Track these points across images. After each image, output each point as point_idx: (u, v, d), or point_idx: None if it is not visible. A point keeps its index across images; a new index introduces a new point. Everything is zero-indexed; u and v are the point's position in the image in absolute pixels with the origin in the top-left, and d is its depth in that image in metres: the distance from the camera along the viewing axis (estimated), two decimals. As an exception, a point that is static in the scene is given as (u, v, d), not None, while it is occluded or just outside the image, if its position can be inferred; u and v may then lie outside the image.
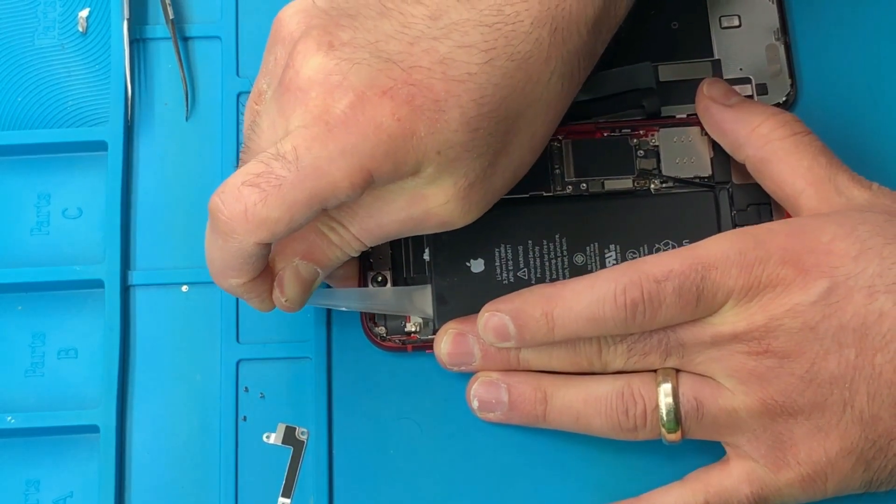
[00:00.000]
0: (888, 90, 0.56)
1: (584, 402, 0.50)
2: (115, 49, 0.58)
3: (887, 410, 0.47)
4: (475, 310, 0.50)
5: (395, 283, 0.53)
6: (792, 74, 0.56)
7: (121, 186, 0.56)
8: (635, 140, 0.54)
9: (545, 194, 0.53)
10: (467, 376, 0.52)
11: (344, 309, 0.53)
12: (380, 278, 0.53)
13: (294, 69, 0.45)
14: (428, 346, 0.52)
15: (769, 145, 0.50)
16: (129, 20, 0.58)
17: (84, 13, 0.58)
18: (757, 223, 0.51)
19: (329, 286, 0.53)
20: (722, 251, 0.47)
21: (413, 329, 0.53)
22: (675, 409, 0.48)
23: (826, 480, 0.48)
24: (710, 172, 0.54)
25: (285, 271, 0.49)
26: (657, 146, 0.54)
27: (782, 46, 0.56)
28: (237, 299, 0.54)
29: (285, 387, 0.53)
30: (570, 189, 0.54)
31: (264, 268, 0.48)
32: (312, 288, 0.49)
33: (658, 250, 0.52)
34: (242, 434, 0.53)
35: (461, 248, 0.52)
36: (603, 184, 0.54)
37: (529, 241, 0.52)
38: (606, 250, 0.52)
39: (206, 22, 0.59)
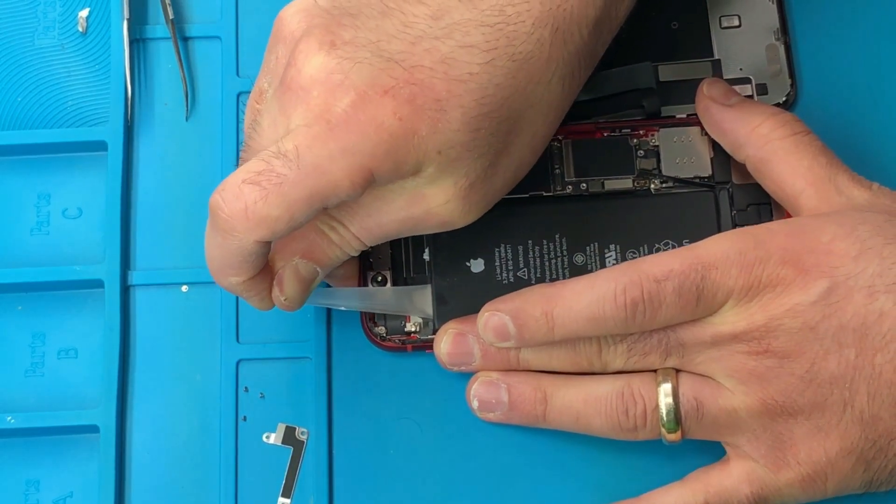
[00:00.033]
0: (888, 90, 0.56)
1: (584, 402, 0.50)
2: (115, 49, 0.58)
3: (887, 410, 0.47)
4: (475, 310, 0.50)
5: (395, 283, 0.53)
6: (792, 74, 0.56)
7: (121, 186, 0.56)
8: (635, 140, 0.54)
9: (545, 194, 0.53)
10: (467, 376, 0.52)
11: (343, 308, 0.53)
12: (380, 278, 0.53)
13: (296, 68, 0.45)
14: (428, 346, 0.52)
15: (769, 145, 0.50)
16: (129, 20, 0.58)
17: (84, 13, 0.58)
18: (757, 223, 0.51)
19: (329, 285, 0.53)
20: (722, 251, 0.47)
21: (413, 329, 0.53)
22: (675, 409, 0.48)
23: (826, 480, 0.48)
24: (710, 172, 0.54)
25: (285, 270, 0.49)
26: (657, 146, 0.54)
27: (782, 46, 0.56)
28: (237, 299, 0.54)
29: (285, 387, 0.53)
30: (570, 189, 0.54)
31: (264, 266, 0.48)
32: (312, 287, 0.49)
33: (658, 250, 0.52)
34: (242, 434, 0.53)
35: (461, 247, 0.52)
36: (603, 184, 0.54)
37: (529, 241, 0.52)
38: (606, 250, 0.52)
39: (206, 22, 0.59)
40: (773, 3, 0.57)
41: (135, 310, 0.55)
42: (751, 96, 0.56)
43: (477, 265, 0.52)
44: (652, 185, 0.54)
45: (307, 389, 0.53)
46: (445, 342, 0.51)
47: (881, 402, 0.46)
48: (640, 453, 0.51)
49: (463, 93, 0.45)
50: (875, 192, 0.50)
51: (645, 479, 0.51)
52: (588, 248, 0.52)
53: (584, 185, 0.54)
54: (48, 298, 0.55)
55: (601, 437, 0.50)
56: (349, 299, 0.52)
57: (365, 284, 0.53)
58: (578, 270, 0.52)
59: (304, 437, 0.53)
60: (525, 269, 0.52)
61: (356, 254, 0.49)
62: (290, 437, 0.53)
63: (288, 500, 0.52)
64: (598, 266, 0.52)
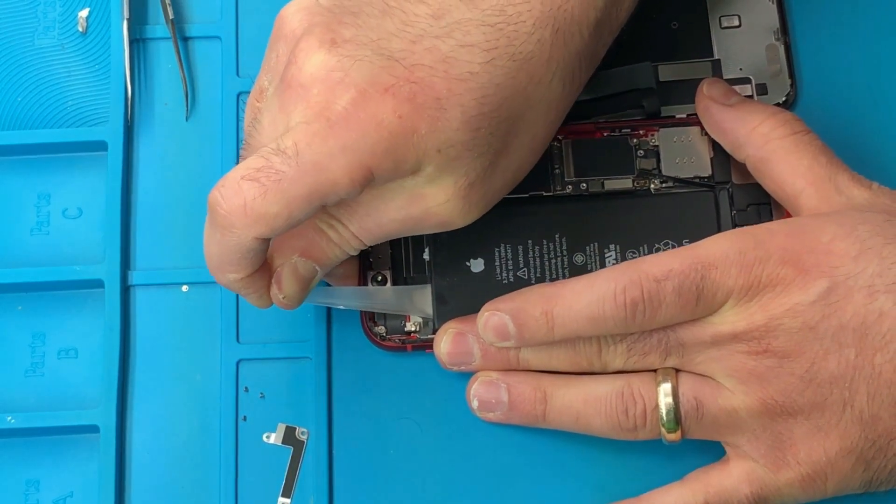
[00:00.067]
0: (888, 90, 0.56)
1: (584, 402, 0.50)
2: (115, 49, 0.58)
3: (887, 410, 0.47)
4: (475, 309, 0.50)
5: (394, 283, 0.53)
6: (792, 74, 0.56)
7: (121, 186, 0.56)
8: (635, 140, 0.54)
9: (545, 194, 0.53)
10: (467, 376, 0.52)
11: (343, 308, 0.53)
12: (380, 277, 0.53)
13: (296, 66, 0.45)
14: (428, 345, 0.52)
15: (769, 144, 0.50)
16: (128, 20, 0.58)
17: (84, 13, 0.58)
18: (757, 223, 0.51)
19: (329, 284, 0.53)
20: (722, 251, 0.47)
21: (413, 329, 0.53)
22: (675, 409, 0.48)
23: (826, 480, 0.48)
24: (710, 172, 0.54)
25: (283, 268, 0.49)
26: (657, 146, 0.54)
27: (782, 46, 0.56)
28: (238, 299, 0.54)
29: (285, 387, 0.53)
30: (570, 189, 0.54)
31: (262, 263, 0.48)
32: (310, 286, 0.49)
33: (658, 250, 0.52)
34: (242, 434, 0.53)
35: (461, 247, 0.52)
36: (603, 184, 0.54)
37: (529, 241, 0.52)
38: (606, 250, 0.52)
39: (206, 22, 0.59)
40: (773, 3, 0.57)
41: (135, 310, 0.55)
42: (751, 96, 0.56)
43: (477, 265, 0.52)
44: (652, 185, 0.54)
45: (307, 389, 0.53)
46: (445, 342, 0.51)
47: (881, 401, 0.46)
48: (640, 453, 0.51)
49: (463, 92, 0.45)
50: (875, 192, 0.50)
51: (645, 479, 0.51)
52: (588, 247, 0.52)
53: (584, 185, 0.54)
54: (48, 298, 0.55)
55: (601, 437, 0.50)
56: (349, 298, 0.52)
57: (365, 284, 0.53)
58: (578, 270, 0.52)
59: (304, 437, 0.52)
60: (525, 269, 0.52)
61: (355, 253, 0.49)
62: (290, 437, 0.53)
63: (288, 500, 0.52)
64: (598, 266, 0.52)
